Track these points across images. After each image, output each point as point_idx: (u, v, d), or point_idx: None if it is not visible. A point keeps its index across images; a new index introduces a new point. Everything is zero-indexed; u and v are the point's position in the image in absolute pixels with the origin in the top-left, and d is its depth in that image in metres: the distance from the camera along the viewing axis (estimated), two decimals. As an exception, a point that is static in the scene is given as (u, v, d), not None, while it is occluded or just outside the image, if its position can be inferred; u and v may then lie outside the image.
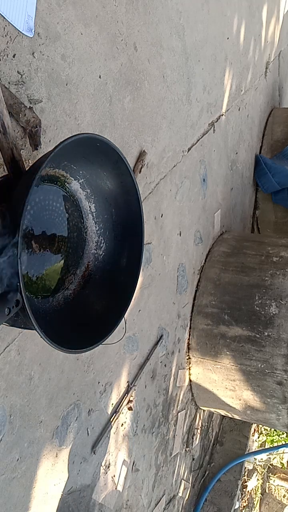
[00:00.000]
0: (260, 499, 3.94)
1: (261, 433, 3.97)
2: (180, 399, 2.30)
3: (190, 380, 2.38)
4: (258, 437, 3.88)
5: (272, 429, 3.99)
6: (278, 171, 3.09)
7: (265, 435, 4.04)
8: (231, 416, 2.54)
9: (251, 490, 3.65)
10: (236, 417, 2.51)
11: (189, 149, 2.09)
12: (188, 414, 2.43)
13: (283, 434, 4.09)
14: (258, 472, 3.86)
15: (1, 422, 1.09)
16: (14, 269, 0.75)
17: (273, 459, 4.23)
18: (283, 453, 4.23)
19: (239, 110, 2.78)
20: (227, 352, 2.19)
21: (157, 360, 1.97)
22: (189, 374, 2.36)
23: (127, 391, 1.72)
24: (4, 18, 0.98)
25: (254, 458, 3.70)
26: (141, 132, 1.63)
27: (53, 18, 1.12)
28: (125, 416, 1.73)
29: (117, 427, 1.68)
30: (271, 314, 2.13)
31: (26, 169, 0.93)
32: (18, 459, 1.17)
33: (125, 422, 1.73)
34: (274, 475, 4.19)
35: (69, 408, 1.37)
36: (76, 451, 1.43)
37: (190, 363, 2.33)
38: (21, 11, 1.02)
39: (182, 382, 2.30)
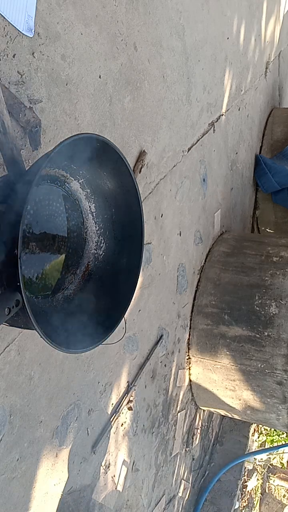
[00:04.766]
0: (260, 499, 3.94)
1: (261, 433, 3.97)
2: (180, 399, 2.30)
3: (190, 380, 2.38)
4: (258, 437, 3.88)
5: (272, 429, 3.99)
6: (278, 171, 3.09)
7: (265, 435, 4.04)
8: (231, 416, 2.54)
9: (251, 490, 3.65)
10: (236, 417, 2.51)
11: (189, 149, 2.09)
12: (188, 414, 2.43)
13: (283, 434, 4.09)
14: (258, 472, 3.85)
15: (1, 422, 1.09)
16: (14, 268, 0.75)
17: (273, 459, 4.23)
18: (283, 453, 4.23)
19: (239, 110, 2.78)
20: (227, 352, 2.19)
21: (157, 360, 1.97)
22: (189, 374, 2.36)
23: (127, 391, 1.72)
24: (4, 18, 0.98)
25: (254, 458, 3.70)
26: (141, 132, 1.63)
27: (53, 18, 1.12)
28: (125, 416, 1.73)
29: (117, 427, 1.68)
30: (271, 314, 2.13)
31: (26, 169, 0.93)
32: (18, 459, 1.17)
33: (125, 422, 1.73)
34: (274, 475, 4.19)
35: (69, 408, 1.37)
36: (76, 451, 1.43)
37: (190, 363, 2.33)
38: (21, 11, 1.02)
39: (182, 382, 2.30)
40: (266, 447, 3.88)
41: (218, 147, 2.47)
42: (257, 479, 3.84)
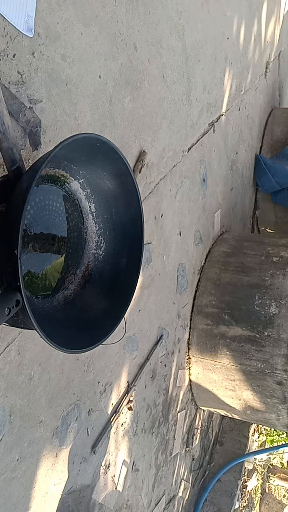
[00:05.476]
0: (260, 499, 3.94)
1: (261, 433, 3.97)
2: (180, 399, 2.30)
3: (190, 380, 2.38)
4: (258, 437, 3.88)
5: (272, 429, 3.99)
6: (278, 171, 3.09)
7: (265, 435, 4.04)
8: (231, 416, 2.54)
9: (251, 490, 3.65)
10: (236, 417, 2.51)
11: (189, 149, 2.09)
12: (188, 414, 2.43)
13: (283, 434, 4.09)
14: (258, 472, 3.85)
15: (1, 422, 1.09)
16: (14, 268, 0.75)
17: (273, 459, 4.23)
18: (283, 453, 4.23)
19: (239, 110, 2.78)
20: (227, 352, 2.19)
21: (157, 360, 1.97)
22: (189, 374, 2.36)
23: (127, 391, 1.72)
24: (4, 18, 0.98)
25: (254, 458, 3.70)
26: (141, 132, 1.63)
27: (53, 18, 1.12)
28: (125, 416, 1.73)
29: (117, 427, 1.68)
30: (271, 314, 2.13)
31: (26, 169, 0.93)
32: (18, 459, 1.17)
33: (125, 422, 1.73)
34: (274, 475, 4.19)
35: (69, 408, 1.37)
36: (76, 451, 1.43)
37: (190, 363, 2.33)
38: (21, 11, 1.02)
39: (182, 382, 2.30)
40: (266, 447, 3.88)
41: (218, 147, 2.47)
42: (257, 479, 3.84)
